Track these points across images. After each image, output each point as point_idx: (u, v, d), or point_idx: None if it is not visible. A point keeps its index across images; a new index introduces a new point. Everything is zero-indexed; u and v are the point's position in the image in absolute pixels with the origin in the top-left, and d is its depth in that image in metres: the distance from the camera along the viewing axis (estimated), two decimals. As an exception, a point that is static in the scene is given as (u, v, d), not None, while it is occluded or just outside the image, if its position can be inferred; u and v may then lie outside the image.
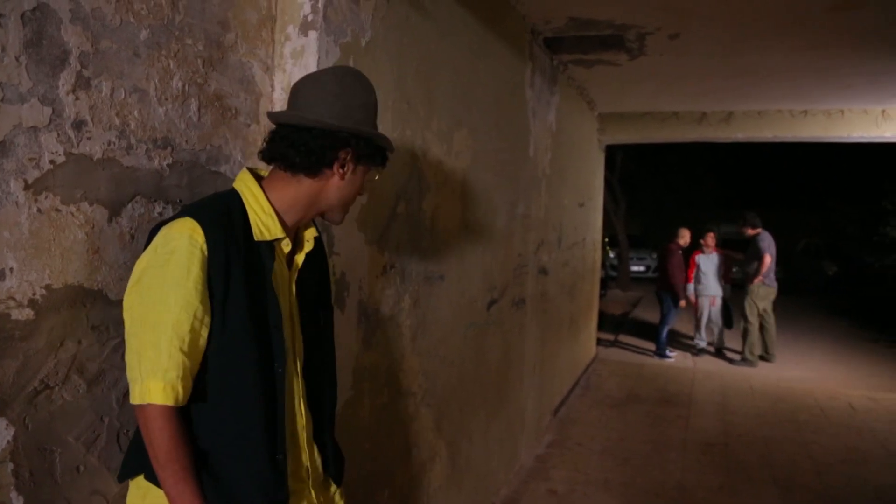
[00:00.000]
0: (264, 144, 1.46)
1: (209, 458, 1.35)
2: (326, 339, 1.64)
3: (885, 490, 4.34)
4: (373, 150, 1.47)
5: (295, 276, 1.49)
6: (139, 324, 1.28)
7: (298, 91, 1.45)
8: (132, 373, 1.28)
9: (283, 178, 1.44)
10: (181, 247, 1.28)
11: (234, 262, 1.33)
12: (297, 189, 1.43)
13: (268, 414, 1.39)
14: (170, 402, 1.25)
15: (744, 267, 8.19)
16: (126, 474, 1.42)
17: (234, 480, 1.36)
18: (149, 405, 1.25)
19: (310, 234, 1.54)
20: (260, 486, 1.38)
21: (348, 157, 1.43)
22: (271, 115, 1.47)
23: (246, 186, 1.43)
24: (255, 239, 1.39)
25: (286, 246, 1.45)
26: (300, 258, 1.51)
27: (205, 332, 1.31)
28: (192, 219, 1.31)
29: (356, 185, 1.49)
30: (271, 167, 1.48)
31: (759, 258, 7.80)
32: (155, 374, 1.25)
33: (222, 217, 1.35)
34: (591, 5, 3.88)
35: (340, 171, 1.43)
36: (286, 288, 1.47)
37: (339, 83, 1.42)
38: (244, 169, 1.49)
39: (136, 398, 1.27)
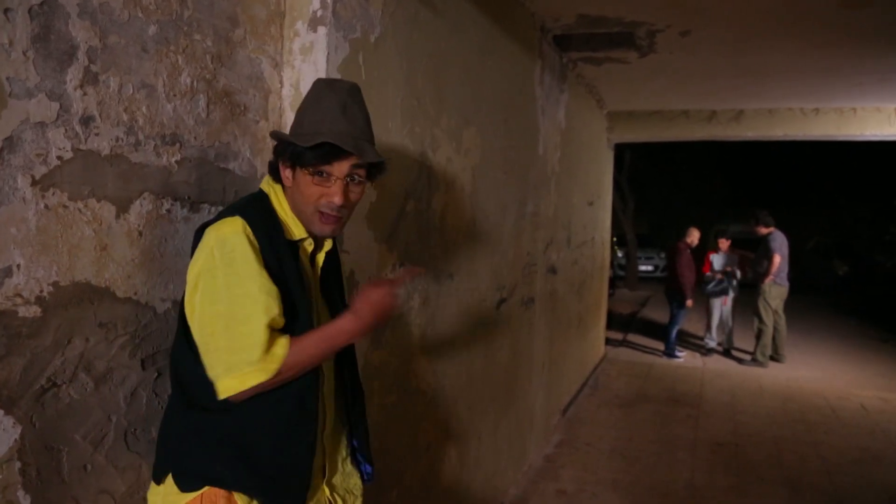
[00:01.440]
0: None
1: (252, 449, 1.40)
2: None
3: (898, 492, 4.30)
4: (295, 153, 1.42)
5: (318, 274, 1.57)
6: (226, 321, 1.33)
7: None
8: (221, 367, 1.33)
9: None
10: (242, 242, 1.35)
11: (282, 255, 1.41)
12: (287, 196, 1.51)
13: (311, 404, 1.46)
14: (281, 364, 1.35)
15: (755, 266, 8.13)
16: (158, 477, 1.44)
17: (275, 468, 1.41)
18: (271, 378, 1.34)
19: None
20: (295, 476, 1.44)
21: (284, 164, 1.47)
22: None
23: (272, 190, 1.51)
24: (287, 238, 1.46)
25: (309, 246, 1.52)
26: (321, 257, 1.57)
27: (281, 312, 1.38)
28: (241, 217, 1.38)
29: (301, 190, 1.44)
30: None
31: (770, 258, 7.74)
32: (264, 359, 1.33)
33: (265, 216, 1.44)
34: (601, 2, 3.84)
35: (287, 179, 1.47)
36: (311, 285, 1.53)
37: (308, 95, 1.49)
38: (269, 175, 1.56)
39: (247, 383, 1.33)
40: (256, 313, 1.32)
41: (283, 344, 1.34)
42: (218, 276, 1.33)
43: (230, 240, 1.35)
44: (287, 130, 1.96)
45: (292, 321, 1.41)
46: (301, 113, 1.48)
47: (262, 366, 1.32)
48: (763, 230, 7.94)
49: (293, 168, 1.44)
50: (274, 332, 1.35)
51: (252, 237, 1.36)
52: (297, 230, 1.49)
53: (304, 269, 1.51)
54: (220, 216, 1.42)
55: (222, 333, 1.32)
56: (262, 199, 1.49)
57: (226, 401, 1.36)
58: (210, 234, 1.37)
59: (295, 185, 1.45)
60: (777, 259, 7.69)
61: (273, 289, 1.35)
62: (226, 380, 1.33)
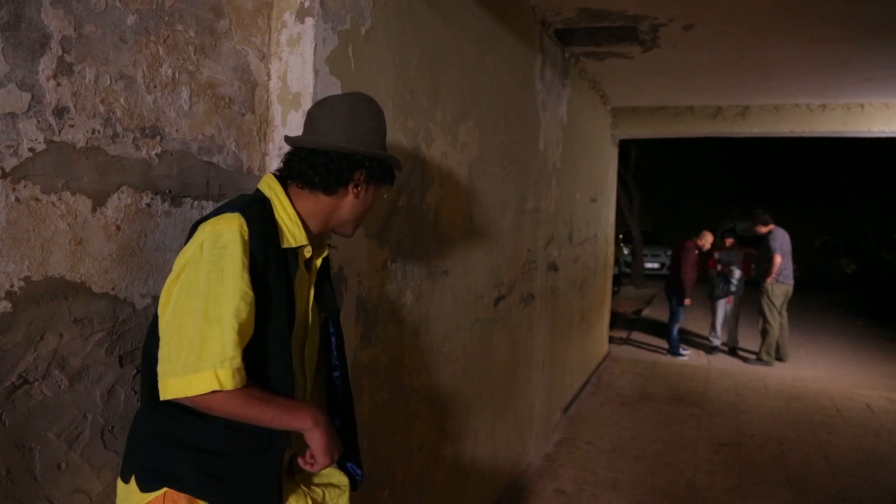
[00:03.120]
0: (282, 164, 1.53)
1: (217, 457, 1.37)
2: (338, 341, 1.68)
3: (903, 493, 4.24)
4: (384, 171, 1.55)
5: (314, 280, 1.56)
6: (197, 317, 1.28)
7: (314, 117, 1.52)
8: (177, 365, 1.26)
9: (303, 193, 1.51)
10: (234, 240, 1.32)
11: (271, 261, 1.39)
12: (316, 204, 1.51)
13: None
14: (238, 387, 1.29)
15: (758, 265, 8.06)
16: (125, 475, 1.41)
17: (242, 479, 1.38)
18: (218, 392, 1.27)
19: (326, 240, 1.62)
20: (266, 483, 1.40)
21: (362, 178, 1.51)
22: (290, 140, 1.54)
23: (274, 193, 1.49)
24: (282, 246, 1.44)
25: (307, 252, 1.51)
26: (318, 263, 1.57)
27: (252, 320, 1.34)
28: (240, 215, 1.36)
29: (367, 203, 1.57)
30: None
31: (770, 257, 7.67)
32: (223, 364, 1.26)
33: (264, 219, 1.42)
34: (603, -5, 3.79)
35: (355, 190, 1.52)
36: (305, 291, 1.53)
37: (352, 109, 1.51)
38: (269, 174, 1.53)
39: (199, 388, 1.26)
40: (227, 315, 1.28)
41: (242, 377, 1.30)
42: (201, 270, 1.29)
43: (224, 236, 1.31)
44: (276, 124, 1.95)
45: (268, 329, 1.39)
46: (360, 130, 1.50)
47: (223, 371, 1.26)
48: (762, 229, 7.86)
49: (368, 184, 1.53)
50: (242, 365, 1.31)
51: (247, 238, 1.34)
52: (299, 236, 1.46)
53: (299, 276, 1.48)
54: (218, 211, 1.40)
55: (190, 330, 1.27)
56: (263, 202, 1.46)
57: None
58: (205, 228, 1.34)
59: (363, 198, 1.54)
60: (777, 259, 7.61)
61: (249, 294, 1.31)
62: (176, 379, 1.26)
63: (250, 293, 1.32)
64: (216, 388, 1.25)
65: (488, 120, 3.31)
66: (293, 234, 1.46)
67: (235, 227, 1.33)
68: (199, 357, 1.26)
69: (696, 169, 18.92)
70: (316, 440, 1.42)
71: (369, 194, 1.55)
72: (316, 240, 1.56)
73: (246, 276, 1.31)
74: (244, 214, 1.36)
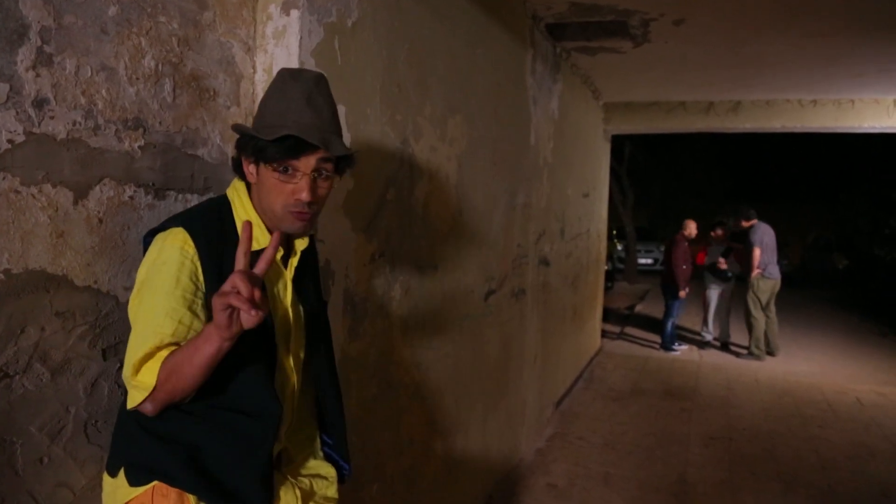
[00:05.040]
0: None
1: (207, 454, 1.36)
2: (324, 336, 1.65)
3: (893, 487, 4.25)
4: (259, 146, 1.35)
5: (291, 276, 1.50)
6: (133, 331, 1.31)
7: None
8: (125, 372, 1.31)
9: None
10: (172, 257, 1.31)
11: (227, 269, 1.33)
12: (253, 196, 1.46)
13: (272, 409, 1.40)
14: (148, 392, 1.28)
15: (743, 261, 8.09)
16: (111, 469, 1.41)
17: (233, 476, 1.37)
18: (141, 404, 1.30)
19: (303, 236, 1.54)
20: (257, 480, 1.39)
21: (247, 160, 1.41)
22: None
23: (237, 195, 1.46)
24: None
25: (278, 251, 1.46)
26: (294, 261, 1.51)
27: (183, 334, 1.31)
28: (184, 229, 1.34)
29: (267, 188, 1.38)
30: None
31: (750, 251, 7.73)
32: (128, 382, 1.30)
33: (214, 226, 1.38)
34: (594, -10, 3.79)
35: (251, 176, 1.42)
36: (283, 290, 1.48)
37: (270, 86, 1.43)
38: (237, 178, 1.49)
39: (129, 403, 1.32)
40: (146, 333, 1.28)
41: (151, 366, 1.27)
42: (144, 286, 1.32)
43: (164, 252, 1.32)
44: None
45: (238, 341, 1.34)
46: (263, 104, 1.41)
47: (134, 384, 1.28)
48: (745, 224, 7.92)
49: (257, 164, 1.38)
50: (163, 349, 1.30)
51: (191, 253, 1.32)
52: (262, 238, 1.42)
53: (272, 276, 1.45)
54: (167, 223, 1.38)
55: (129, 341, 1.32)
56: (220, 206, 1.44)
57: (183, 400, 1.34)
58: (157, 243, 1.35)
59: (260, 182, 1.39)
60: (757, 252, 7.65)
61: (180, 313, 1.29)
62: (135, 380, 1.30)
63: (181, 310, 1.29)
64: (136, 401, 1.29)
65: (478, 115, 3.30)
66: (254, 235, 1.38)
67: (178, 243, 1.32)
68: (124, 373, 1.30)
69: (690, 164, 18.93)
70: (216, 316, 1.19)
71: (265, 178, 1.37)
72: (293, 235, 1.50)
73: (178, 294, 1.29)
74: (188, 227, 1.34)
